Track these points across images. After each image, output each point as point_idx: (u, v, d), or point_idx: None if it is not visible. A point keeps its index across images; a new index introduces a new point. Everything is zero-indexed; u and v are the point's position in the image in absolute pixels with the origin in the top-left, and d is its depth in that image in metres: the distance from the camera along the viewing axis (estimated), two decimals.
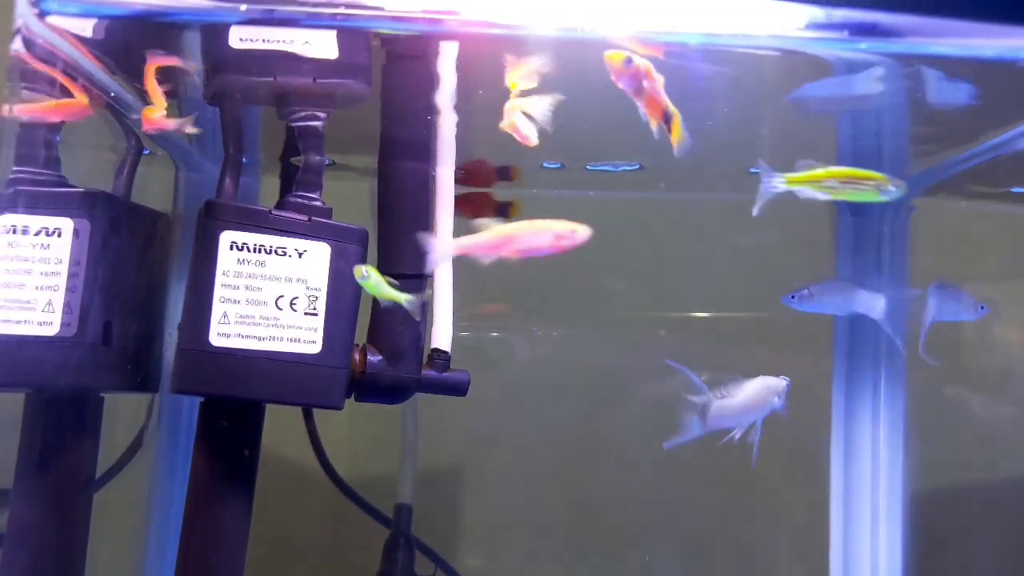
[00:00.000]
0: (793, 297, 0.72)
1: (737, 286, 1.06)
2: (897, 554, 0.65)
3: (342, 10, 0.59)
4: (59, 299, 0.60)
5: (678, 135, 0.57)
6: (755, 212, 0.62)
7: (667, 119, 0.56)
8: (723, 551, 1.05)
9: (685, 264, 1.02)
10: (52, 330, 0.59)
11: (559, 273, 0.99)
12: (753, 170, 0.64)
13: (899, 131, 0.75)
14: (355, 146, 0.79)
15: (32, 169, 0.61)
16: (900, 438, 0.67)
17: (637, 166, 0.83)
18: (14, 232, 0.58)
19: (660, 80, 0.55)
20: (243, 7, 0.54)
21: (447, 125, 0.71)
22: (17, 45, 0.55)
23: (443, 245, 0.67)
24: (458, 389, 0.71)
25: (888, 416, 0.68)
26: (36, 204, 0.59)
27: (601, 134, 0.76)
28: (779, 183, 0.62)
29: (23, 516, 0.62)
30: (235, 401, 0.64)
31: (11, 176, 0.58)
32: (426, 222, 0.70)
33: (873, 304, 0.70)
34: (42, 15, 0.55)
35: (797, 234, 1.03)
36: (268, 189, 0.85)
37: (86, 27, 0.60)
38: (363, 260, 0.66)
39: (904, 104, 0.70)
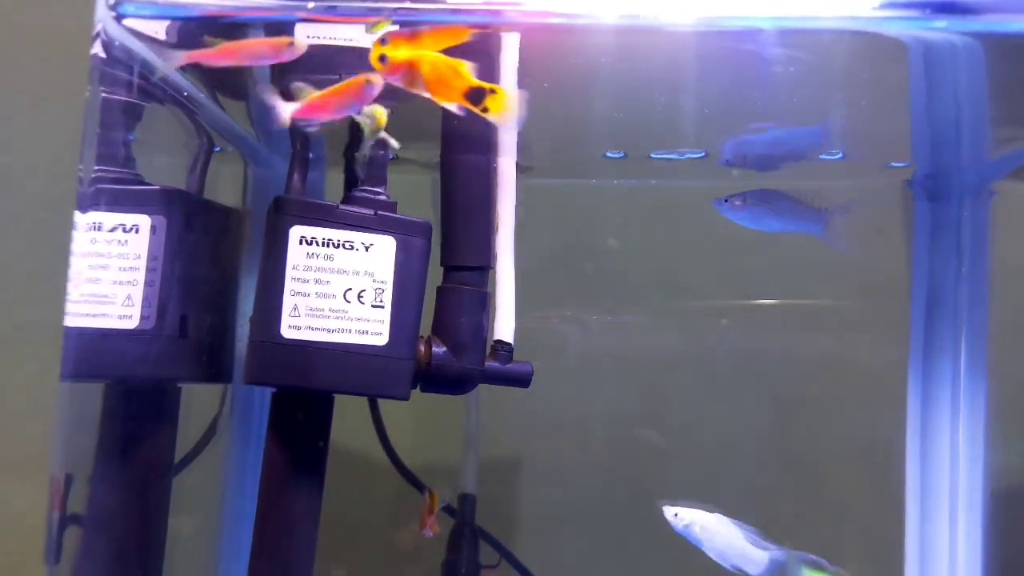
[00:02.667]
0: (725, 201, 0.68)
1: (804, 274, 1.03)
2: (977, 555, 0.62)
3: (405, 4, 0.59)
4: (138, 293, 0.62)
5: (499, 110, 0.55)
6: None
7: (476, 98, 0.53)
8: (793, 544, 1.03)
9: (751, 252, 1.00)
10: (132, 323, 0.62)
11: (622, 261, 0.99)
12: (823, 157, 0.62)
13: (979, 115, 0.71)
14: (417, 139, 0.80)
15: (112, 168, 0.64)
16: (981, 431, 0.64)
17: (703, 154, 0.82)
18: (95, 229, 0.61)
19: (452, 63, 0.53)
20: (310, 4, 0.55)
21: None
22: (96, 48, 0.57)
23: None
24: (522, 380, 0.71)
25: (968, 407, 0.65)
26: (116, 202, 0.61)
27: (665, 122, 0.75)
28: None
29: (105, 502, 0.65)
30: (305, 392, 0.65)
31: (93, 175, 0.61)
32: (488, 213, 0.71)
33: (816, 226, 0.66)
34: (119, 18, 0.57)
35: (866, 221, 1.00)
36: (332, 184, 0.87)
37: (159, 29, 0.62)
38: (427, 253, 0.67)
39: (984, 87, 0.67)
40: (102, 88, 0.59)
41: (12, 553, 1.01)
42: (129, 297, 0.62)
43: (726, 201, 0.68)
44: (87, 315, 0.61)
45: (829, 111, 0.73)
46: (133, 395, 0.65)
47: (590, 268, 0.97)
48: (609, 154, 0.84)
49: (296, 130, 0.68)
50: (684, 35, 0.57)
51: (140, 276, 0.62)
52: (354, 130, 0.76)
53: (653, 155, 0.83)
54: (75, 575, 0.61)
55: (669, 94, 0.59)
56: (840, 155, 0.78)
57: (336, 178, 0.82)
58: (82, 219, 0.58)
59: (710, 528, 0.62)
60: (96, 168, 0.61)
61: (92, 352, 0.61)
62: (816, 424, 0.78)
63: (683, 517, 0.63)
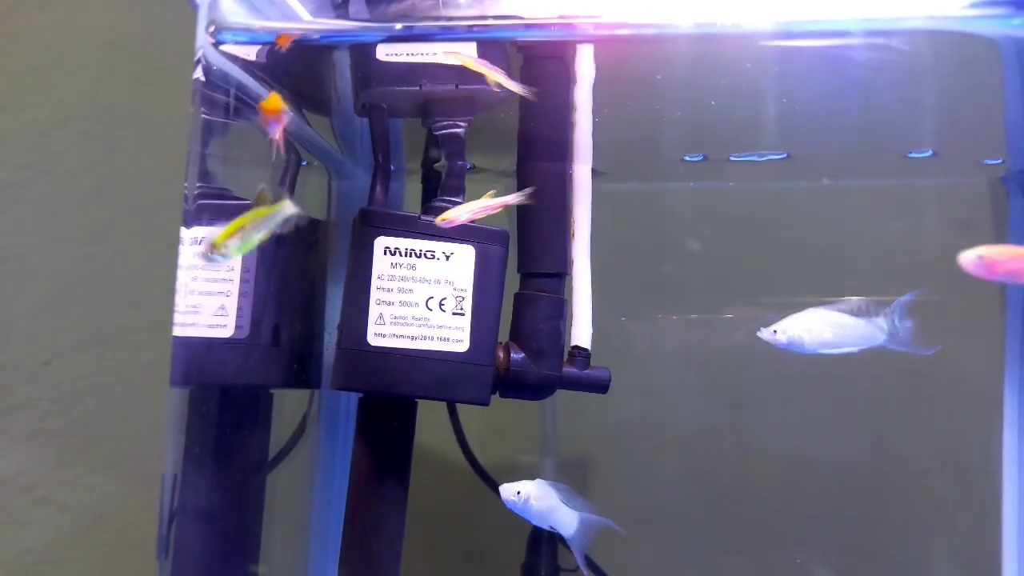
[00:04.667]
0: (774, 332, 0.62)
1: (889, 271, 1.00)
2: None
3: (477, 22, 0.60)
4: (232, 304, 0.66)
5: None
6: None
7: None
8: (879, 559, 0.99)
9: (834, 251, 0.97)
10: (227, 332, 0.65)
11: (701, 264, 0.98)
12: (912, 155, 0.60)
13: None
14: (493, 148, 0.82)
15: (208, 184, 0.67)
16: None
17: (785, 155, 0.80)
18: (197, 243, 0.64)
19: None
20: (398, 26, 0.57)
21: (584, 123, 0.71)
22: (198, 73, 0.61)
23: None
24: (599, 386, 0.72)
25: None
26: (216, 216, 0.65)
27: (746, 125, 0.74)
28: None
29: (203, 501, 0.68)
30: (391, 397, 0.67)
31: (196, 192, 0.64)
32: (564, 219, 0.71)
33: (878, 336, 0.61)
34: (217, 44, 0.61)
35: (952, 217, 0.96)
36: (411, 193, 0.89)
37: (251, 52, 0.65)
38: (505, 261, 0.68)
39: None
40: (202, 109, 0.63)
41: (102, 545, 1.06)
42: (223, 307, 0.65)
43: (773, 332, 0.65)
44: (194, 325, 0.65)
45: (919, 111, 0.70)
46: (231, 400, 0.69)
47: (668, 270, 0.97)
48: (688, 158, 0.83)
49: (379, 143, 0.71)
50: (767, 36, 0.56)
51: (234, 288, 0.66)
52: (431, 141, 0.78)
53: (732, 158, 0.82)
54: (178, 571, 0.65)
55: (749, 97, 0.58)
56: (931, 153, 0.75)
57: (414, 187, 0.85)
58: (187, 234, 0.62)
59: (536, 495, 0.62)
60: (198, 185, 0.65)
61: (198, 361, 0.65)
62: (905, 430, 0.75)
63: (523, 493, 0.63)
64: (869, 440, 0.72)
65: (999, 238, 0.86)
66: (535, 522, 0.66)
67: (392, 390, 0.65)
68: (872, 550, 0.96)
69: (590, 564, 0.97)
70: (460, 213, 0.61)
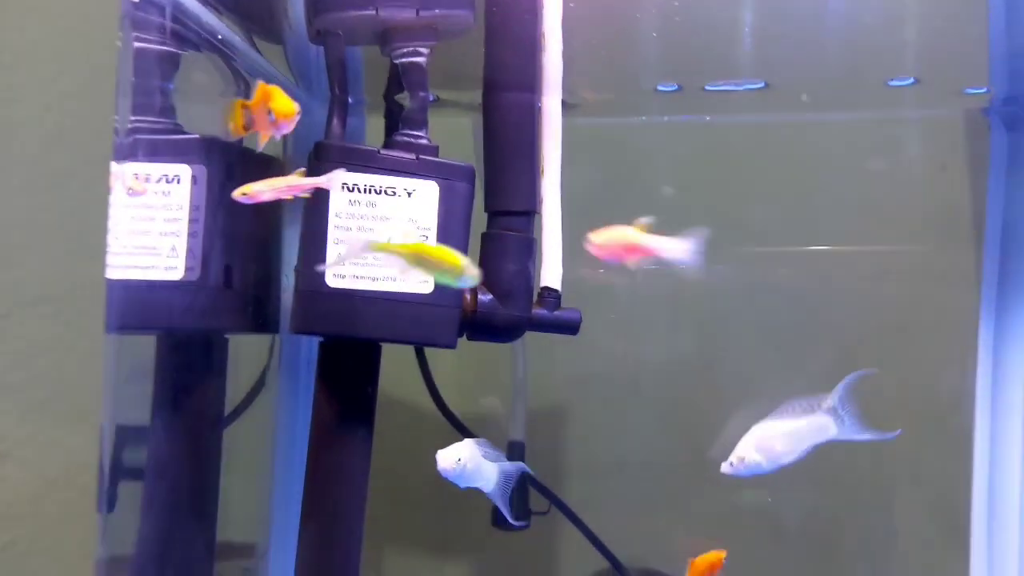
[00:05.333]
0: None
1: (864, 216, 0.99)
2: None
3: None
4: (182, 244, 0.62)
5: None
6: None
7: None
8: (847, 497, 1.00)
9: (808, 192, 0.95)
10: (177, 274, 0.61)
11: (675, 203, 0.95)
12: (893, 83, 0.57)
13: None
14: (459, 80, 0.77)
15: (149, 118, 0.63)
16: None
17: (762, 84, 0.77)
18: (142, 181, 0.60)
19: None
20: None
21: (553, 52, 0.68)
22: None
23: None
24: (569, 327, 0.70)
25: None
26: (155, 152, 0.60)
27: (721, 48, 0.71)
28: None
29: (160, 451, 0.66)
30: (352, 340, 0.64)
31: (129, 126, 0.60)
32: (533, 155, 0.68)
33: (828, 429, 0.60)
34: None
35: (929, 156, 0.94)
36: (372, 128, 0.85)
37: None
38: (471, 198, 0.65)
39: None
40: (136, 35, 0.58)
41: (67, 502, 1.04)
42: (174, 248, 0.62)
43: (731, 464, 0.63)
44: (135, 267, 0.61)
45: (902, 33, 0.67)
46: (182, 346, 0.66)
47: (641, 211, 0.94)
48: (661, 87, 0.80)
49: (335, 73, 0.66)
50: None
51: (183, 227, 0.62)
52: (393, 72, 0.73)
53: (708, 87, 0.78)
54: (141, 523, 0.62)
55: (724, 15, 0.54)
56: (912, 80, 0.72)
57: (376, 122, 0.80)
58: (120, 169, 0.57)
59: (470, 456, 0.60)
60: (133, 118, 0.60)
61: (141, 304, 0.61)
62: (879, 374, 0.75)
63: (463, 460, 0.60)
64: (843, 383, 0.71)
65: (974, 179, 0.84)
66: (464, 486, 0.63)
67: (352, 333, 0.62)
68: (842, 483, 0.96)
69: (563, 506, 0.97)
70: (262, 189, 0.56)
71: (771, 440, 0.62)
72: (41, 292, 1.03)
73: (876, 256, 0.93)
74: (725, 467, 0.61)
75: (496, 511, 0.97)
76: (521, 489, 0.97)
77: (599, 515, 0.92)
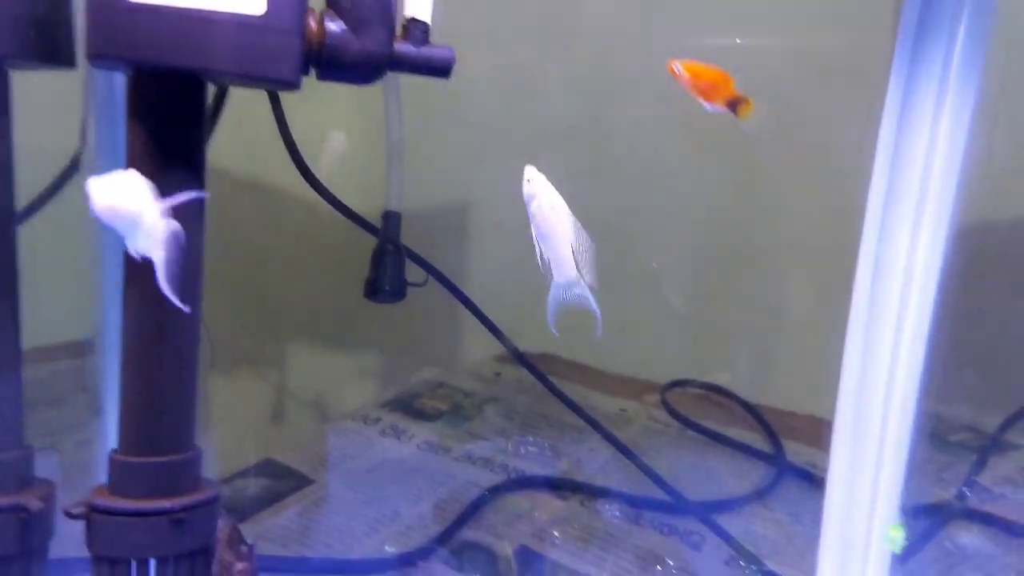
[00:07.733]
0: None
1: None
2: (938, 256, 0.56)
3: None
4: None
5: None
6: None
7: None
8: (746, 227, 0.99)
9: None
10: None
11: None
12: None
13: None
14: None
15: None
16: (967, 119, 0.55)
17: None
18: None
19: None
20: None
21: None
22: None
23: None
24: (440, 68, 0.60)
25: (957, 101, 0.54)
26: None
27: None
28: None
29: None
30: (167, 72, 0.52)
31: None
32: None
33: None
34: None
35: None
36: None
37: None
38: None
39: None
40: None
41: None
42: None
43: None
44: None
45: None
46: None
47: None
48: None
49: None
50: None
51: None
52: None
53: None
54: None
55: None
56: None
57: None
58: None
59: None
60: None
61: None
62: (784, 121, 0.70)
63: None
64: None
65: None
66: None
67: (164, 61, 0.50)
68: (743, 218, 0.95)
69: (437, 275, 0.92)
70: None
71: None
72: None
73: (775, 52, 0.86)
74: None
75: (370, 283, 0.91)
76: (396, 260, 0.91)
77: (478, 284, 0.89)
